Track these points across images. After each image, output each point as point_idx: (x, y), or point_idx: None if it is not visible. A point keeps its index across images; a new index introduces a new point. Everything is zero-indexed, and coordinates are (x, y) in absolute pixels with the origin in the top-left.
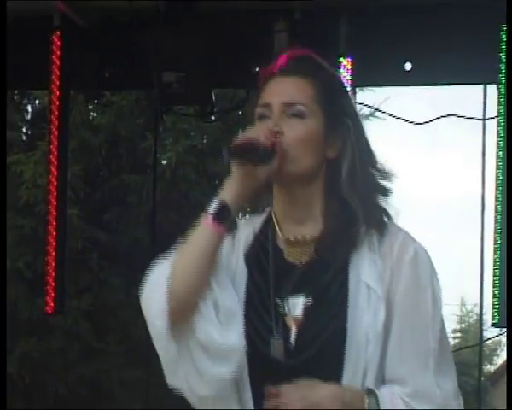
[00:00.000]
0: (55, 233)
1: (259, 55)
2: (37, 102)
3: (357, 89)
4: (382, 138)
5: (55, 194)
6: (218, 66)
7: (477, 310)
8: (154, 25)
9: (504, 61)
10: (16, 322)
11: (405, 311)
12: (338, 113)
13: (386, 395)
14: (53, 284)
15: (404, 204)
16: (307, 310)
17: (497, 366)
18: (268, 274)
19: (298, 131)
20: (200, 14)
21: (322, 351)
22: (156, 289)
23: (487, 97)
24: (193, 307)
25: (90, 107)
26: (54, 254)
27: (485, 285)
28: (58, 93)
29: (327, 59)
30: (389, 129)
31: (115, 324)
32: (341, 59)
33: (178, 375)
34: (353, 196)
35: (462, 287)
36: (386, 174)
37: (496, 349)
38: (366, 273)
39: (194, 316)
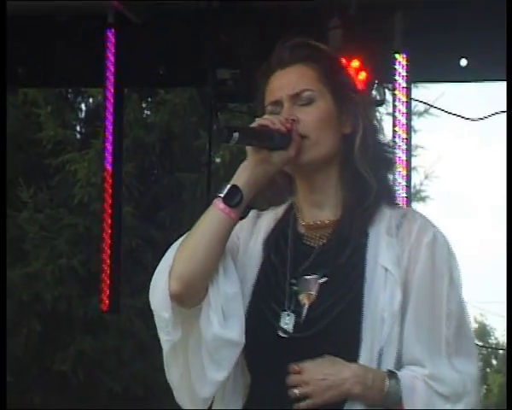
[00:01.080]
0: (109, 231)
1: None
2: (91, 100)
3: (411, 85)
4: (437, 135)
5: (110, 192)
6: None
7: None
8: (209, 22)
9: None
10: (71, 320)
11: (421, 293)
12: (344, 89)
13: (407, 377)
14: (108, 282)
15: (461, 200)
16: (321, 287)
17: None
18: (286, 257)
19: (312, 116)
20: (255, 10)
21: (334, 325)
22: (160, 279)
23: None
24: (201, 291)
25: (144, 105)
26: (108, 252)
27: None
28: (112, 91)
29: (382, 54)
30: (444, 125)
31: None
32: (396, 55)
33: (175, 369)
34: (366, 167)
35: None
36: (388, 148)
37: None
38: (383, 256)
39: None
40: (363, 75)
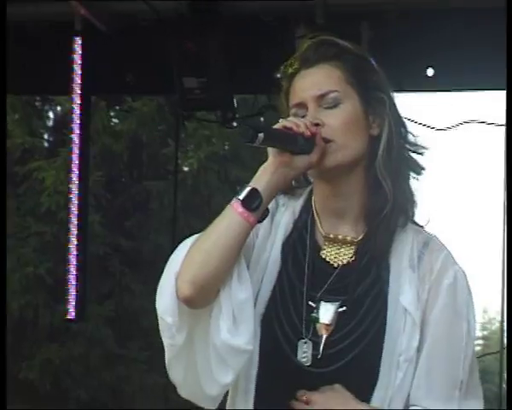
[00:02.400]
0: (75, 240)
1: (281, 60)
2: (58, 108)
3: None
4: None
5: (76, 201)
6: (239, 71)
7: (499, 317)
8: (176, 30)
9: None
10: (38, 328)
11: (438, 336)
12: (371, 89)
13: None
14: (74, 290)
15: (427, 211)
16: (339, 317)
17: None
18: (303, 270)
19: (338, 119)
20: (222, 19)
21: (351, 366)
22: (168, 282)
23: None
24: (213, 294)
25: (112, 113)
26: (75, 260)
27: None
28: (79, 98)
29: None
30: None
31: (136, 330)
32: None
33: (179, 370)
34: (386, 174)
35: (485, 294)
36: (418, 148)
37: None
38: (405, 295)
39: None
40: None
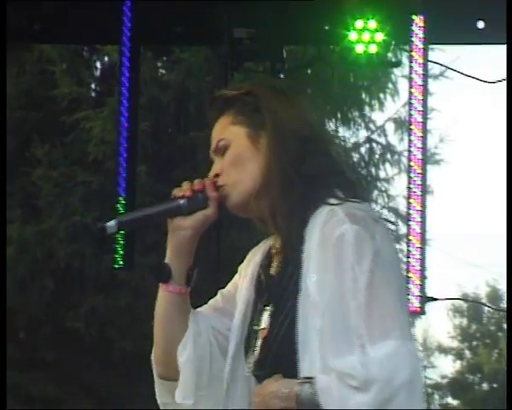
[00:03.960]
0: (123, 189)
1: (331, 12)
2: (106, 58)
3: (428, 47)
4: (452, 98)
5: (125, 148)
6: (289, 22)
7: None
8: None
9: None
10: (84, 278)
11: (329, 296)
12: (255, 114)
13: (323, 379)
14: (121, 239)
15: (476, 163)
16: (270, 319)
17: None
18: (262, 289)
19: (225, 163)
20: None
21: (279, 359)
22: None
23: None
24: (174, 362)
25: (159, 64)
26: (122, 210)
27: None
28: (129, 47)
29: (399, 15)
30: (459, 89)
31: None
32: (414, 16)
33: None
34: (280, 184)
35: None
36: (322, 140)
37: None
38: (312, 273)
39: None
40: (379, 36)
